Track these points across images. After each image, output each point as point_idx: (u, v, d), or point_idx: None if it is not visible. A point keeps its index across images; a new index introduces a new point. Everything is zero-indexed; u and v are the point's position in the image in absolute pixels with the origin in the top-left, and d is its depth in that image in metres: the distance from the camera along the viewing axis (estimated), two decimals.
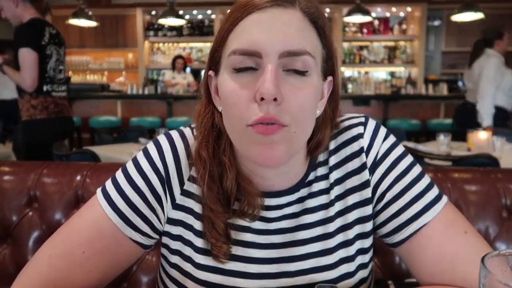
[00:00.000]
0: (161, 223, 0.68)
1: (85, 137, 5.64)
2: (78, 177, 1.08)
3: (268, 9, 0.56)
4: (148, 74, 7.11)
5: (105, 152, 2.57)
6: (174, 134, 0.69)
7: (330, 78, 0.64)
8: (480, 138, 2.70)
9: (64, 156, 2.17)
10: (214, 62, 0.63)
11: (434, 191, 0.67)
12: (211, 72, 0.64)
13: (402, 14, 6.82)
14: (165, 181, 0.66)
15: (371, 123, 0.69)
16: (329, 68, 0.63)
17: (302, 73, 0.56)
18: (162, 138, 0.69)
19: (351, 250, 0.67)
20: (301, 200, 0.67)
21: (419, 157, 2.14)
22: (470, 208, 1.03)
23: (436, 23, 6.83)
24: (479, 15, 4.74)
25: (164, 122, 5.32)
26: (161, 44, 7.19)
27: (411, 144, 2.77)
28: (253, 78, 0.56)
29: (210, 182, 0.63)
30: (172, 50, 7.18)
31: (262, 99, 0.53)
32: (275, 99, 0.53)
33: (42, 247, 0.66)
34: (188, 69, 6.28)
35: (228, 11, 0.60)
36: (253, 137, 0.56)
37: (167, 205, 0.67)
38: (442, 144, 2.67)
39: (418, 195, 0.65)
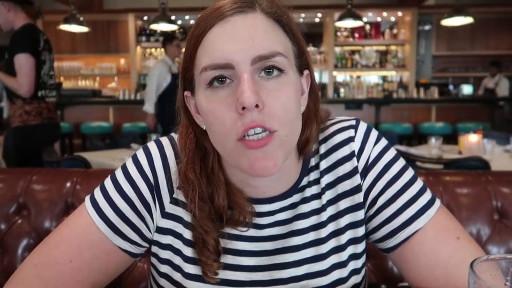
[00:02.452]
0: (150, 231, 0.67)
1: (76, 143, 5.60)
2: (68, 184, 1.06)
3: (229, 18, 0.55)
4: (140, 79, 7.08)
5: (97, 158, 2.55)
6: (164, 141, 0.68)
7: (306, 72, 0.63)
8: (471, 141, 2.72)
9: (54, 162, 2.14)
10: (187, 81, 0.61)
11: (427, 195, 0.66)
12: (187, 93, 0.62)
13: (393, 18, 6.87)
14: (154, 189, 0.65)
15: (362, 126, 0.68)
16: (303, 63, 0.62)
17: (278, 70, 0.55)
18: (152, 146, 0.68)
19: (343, 256, 0.66)
20: (293, 205, 0.66)
21: (410, 160, 2.15)
22: (461, 211, 1.03)
23: (427, 27, 6.89)
24: (468, 20, 4.80)
25: (157, 128, 5.30)
26: (153, 50, 7.17)
27: (403, 148, 2.78)
28: (230, 91, 0.55)
29: (201, 204, 0.62)
30: (164, 55, 7.15)
31: (243, 108, 0.52)
32: (256, 106, 0.52)
33: (29, 256, 0.64)
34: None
35: (191, 30, 0.59)
36: (245, 152, 0.55)
37: (156, 213, 0.66)
38: (433, 148, 2.69)
39: (410, 200, 0.65)
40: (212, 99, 0.55)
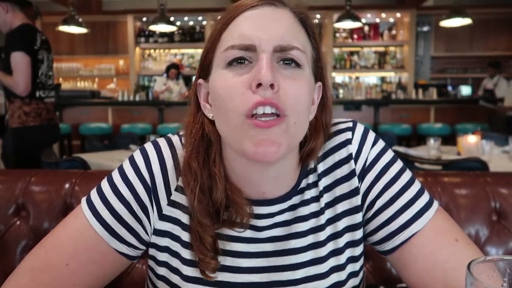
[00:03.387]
0: (147, 234, 0.66)
1: (75, 144, 5.59)
2: (67, 185, 1.06)
3: (260, 7, 0.58)
4: (139, 80, 7.09)
5: (96, 159, 2.55)
6: (162, 142, 0.67)
7: (319, 83, 0.63)
8: (470, 142, 2.73)
9: (53, 163, 2.14)
10: (204, 67, 0.62)
11: (425, 197, 0.65)
12: (200, 80, 0.63)
13: (391, 20, 6.89)
14: (151, 191, 0.64)
15: (359, 128, 0.67)
16: (318, 71, 0.63)
17: (296, 64, 0.57)
18: (149, 146, 0.67)
19: (341, 259, 0.66)
20: (293, 207, 0.66)
21: (409, 161, 2.16)
22: (460, 212, 1.03)
23: (425, 28, 6.91)
24: (467, 21, 4.81)
25: (156, 129, 5.29)
26: (152, 51, 7.17)
27: (401, 149, 2.78)
28: (248, 70, 0.56)
29: (200, 195, 0.61)
30: (164, 56, 7.17)
31: (259, 85, 0.53)
32: (271, 86, 0.53)
33: (25, 259, 0.64)
34: (181, 78, 6.25)
35: (219, 17, 0.61)
36: (250, 131, 0.54)
37: (154, 215, 0.65)
38: (432, 149, 2.69)
39: (408, 202, 0.64)
40: (228, 77, 0.56)
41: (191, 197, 0.62)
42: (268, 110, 0.53)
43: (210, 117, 0.62)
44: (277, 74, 0.55)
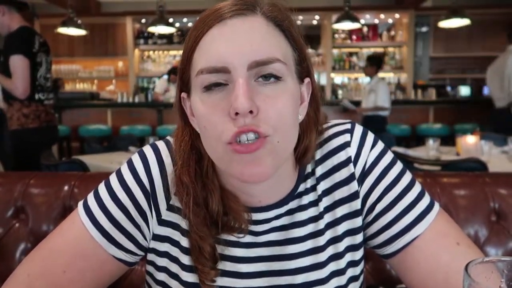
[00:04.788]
0: (146, 239, 0.65)
1: (74, 146, 5.58)
2: (66, 187, 1.06)
3: (228, 21, 0.53)
4: (139, 82, 7.09)
5: (95, 161, 2.55)
6: (161, 145, 0.66)
7: (307, 80, 0.61)
8: (469, 143, 2.73)
9: (52, 165, 2.14)
10: (184, 83, 0.59)
11: (426, 200, 0.64)
12: (183, 94, 0.60)
13: (390, 20, 6.89)
14: (151, 196, 0.63)
15: (358, 130, 0.66)
16: (304, 70, 0.60)
17: (276, 77, 0.53)
18: (147, 150, 0.65)
19: (341, 263, 0.65)
20: (290, 212, 0.65)
21: (408, 162, 2.16)
22: (459, 212, 1.03)
23: (424, 29, 6.92)
24: (465, 21, 4.82)
25: (155, 130, 5.30)
26: (151, 52, 7.18)
27: (400, 149, 2.78)
28: (225, 94, 0.53)
29: (196, 208, 0.60)
30: (163, 58, 7.17)
31: (236, 113, 0.51)
32: (251, 112, 0.51)
33: (21, 265, 0.63)
34: None
35: (189, 31, 0.57)
36: (234, 156, 0.53)
37: (152, 221, 0.64)
38: (431, 149, 2.69)
39: (409, 205, 0.63)
40: (207, 103, 0.54)
41: (186, 211, 0.61)
42: (251, 136, 0.52)
43: (198, 131, 0.60)
44: (255, 95, 0.52)
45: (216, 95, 0.54)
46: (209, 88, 0.54)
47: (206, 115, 0.54)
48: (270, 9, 0.56)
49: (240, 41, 0.53)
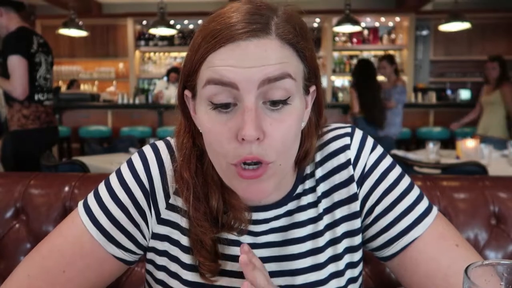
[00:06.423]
0: (145, 238, 0.65)
1: (75, 147, 5.59)
2: (66, 188, 1.06)
3: (241, 42, 0.51)
4: (139, 83, 7.09)
5: (95, 162, 2.55)
6: (160, 145, 0.67)
7: (313, 88, 0.61)
8: (469, 146, 2.73)
9: (52, 166, 2.14)
10: (190, 86, 0.58)
11: (424, 203, 0.65)
12: (187, 92, 0.60)
13: (391, 24, 6.91)
14: (150, 195, 0.63)
15: (358, 134, 0.67)
16: (311, 83, 0.60)
17: (283, 102, 0.53)
18: (147, 150, 0.66)
19: (340, 265, 0.66)
20: (289, 213, 0.65)
21: (408, 165, 2.16)
22: (459, 216, 1.03)
23: (424, 32, 6.93)
24: (465, 25, 4.83)
25: (155, 132, 5.30)
26: (152, 54, 7.19)
27: (400, 152, 2.79)
28: (233, 114, 0.53)
29: (196, 203, 0.61)
30: (163, 59, 7.18)
31: (243, 139, 0.51)
32: (257, 139, 0.52)
33: (20, 265, 0.63)
34: None
35: (197, 38, 0.56)
36: (237, 176, 0.54)
37: (152, 220, 0.64)
38: (431, 152, 2.70)
39: (408, 208, 0.64)
40: (214, 120, 0.54)
41: (187, 205, 0.61)
42: (255, 162, 0.53)
43: (200, 131, 0.60)
44: (263, 118, 0.52)
45: (223, 115, 0.53)
46: (216, 107, 0.53)
47: (213, 133, 0.54)
48: (285, 31, 0.54)
49: (251, 63, 0.51)
